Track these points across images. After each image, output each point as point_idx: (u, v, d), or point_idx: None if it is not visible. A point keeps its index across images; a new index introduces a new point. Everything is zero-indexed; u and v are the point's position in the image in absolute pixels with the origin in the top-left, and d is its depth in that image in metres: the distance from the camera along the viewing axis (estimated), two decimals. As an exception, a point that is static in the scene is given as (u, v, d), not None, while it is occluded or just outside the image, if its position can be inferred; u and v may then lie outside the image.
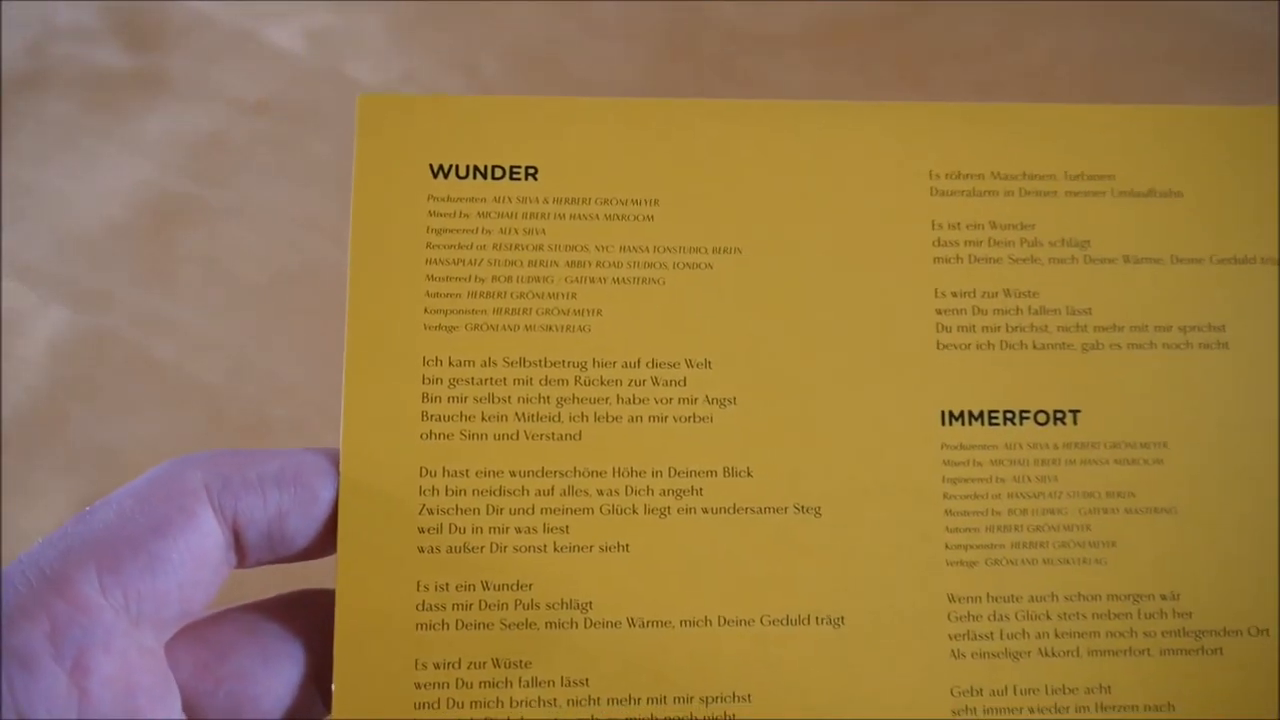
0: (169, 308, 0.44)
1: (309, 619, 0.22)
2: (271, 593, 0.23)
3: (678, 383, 0.23)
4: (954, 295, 0.24)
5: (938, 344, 0.24)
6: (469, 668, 0.22)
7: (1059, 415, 0.24)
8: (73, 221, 0.46)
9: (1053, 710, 0.23)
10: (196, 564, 0.21)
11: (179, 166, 0.46)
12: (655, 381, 0.23)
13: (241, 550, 0.22)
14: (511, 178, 0.24)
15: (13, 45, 0.49)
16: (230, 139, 0.47)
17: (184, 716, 0.21)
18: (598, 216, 0.24)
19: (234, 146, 0.47)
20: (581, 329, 0.23)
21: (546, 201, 0.24)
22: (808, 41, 0.50)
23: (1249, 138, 0.25)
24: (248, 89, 0.48)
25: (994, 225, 0.25)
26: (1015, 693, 0.23)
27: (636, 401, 0.23)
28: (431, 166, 0.24)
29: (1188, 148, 0.25)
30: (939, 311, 0.24)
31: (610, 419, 0.23)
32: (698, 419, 0.23)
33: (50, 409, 0.42)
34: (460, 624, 0.22)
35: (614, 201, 0.24)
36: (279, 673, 0.22)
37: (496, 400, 0.23)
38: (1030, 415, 0.24)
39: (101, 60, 0.49)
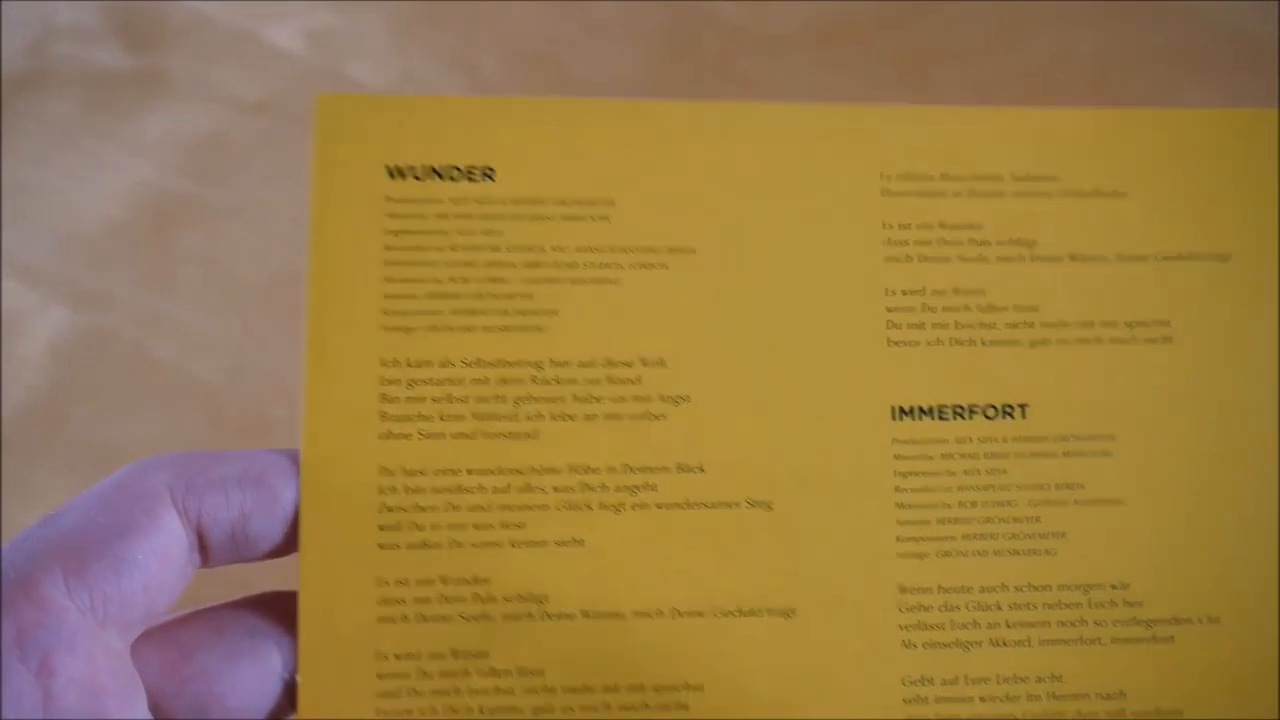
0: (169, 308, 0.44)
1: (275, 618, 0.23)
2: (241, 594, 0.24)
3: (632, 381, 0.24)
4: (904, 294, 0.25)
5: (889, 341, 0.24)
6: (429, 659, 0.23)
7: (1008, 409, 0.24)
8: (73, 221, 0.46)
9: (1004, 699, 0.23)
10: (161, 565, 0.21)
11: (179, 166, 0.47)
12: (610, 380, 0.24)
13: (206, 551, 0.22)
14: (469, 179, 0.24)
15: (13, 45, 0.49)
16: (230, 139, 0.47)
17: (150, 716, 0.21)
18: (554, 217, 0.24)
19: (234, 146, 0.47)
20: (538, 329, 0.24)
21: (503, 203, 0.24)
22: (808, 41, 0.50)
23: (1191, 138, 0.26)
24: (248, 89, 0.48)
25: (943, 225, 0.25)
26: (966, 682, 0.23)
27: (591, 400, 0.24)
28: (388, 168, 0.24)
29: (1131, 148, 0.26)
30: (890, 310, 0.25)
31: (566, 417, 0.24)
32: (652, 416, 0.24)
33: (50, 409, 0.42)
34: (420, 617, 0.23)
35: (570, 202, 0.24)
36: (245, 672, 0.22)
37: (454, 400, 0.24)
38: (980, 410, 0.24)
39: (101, 60, 0.49)
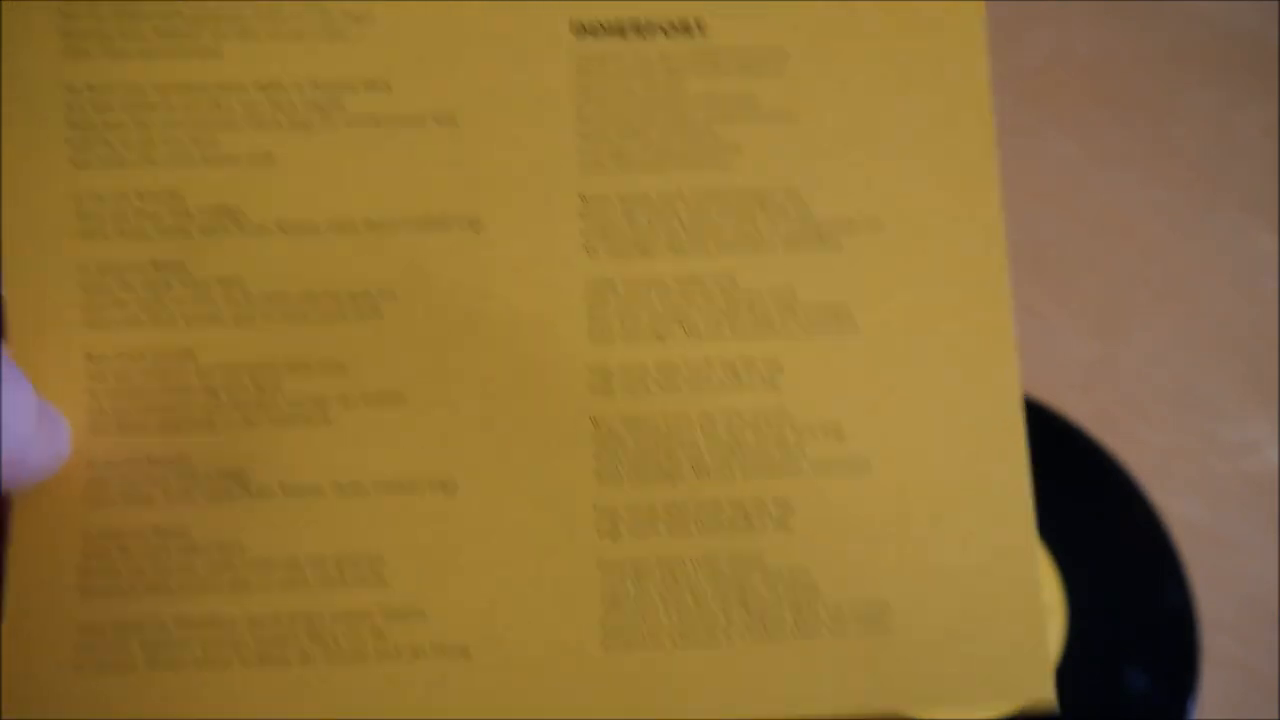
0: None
1: None
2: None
3: (326, 6, 0.25)
4: None
5: None
6: (130, 270, 0.24)
7: (685, 25, 0.25)
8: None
9: (681, 296, 0.25)
10: None
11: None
12: None
13: None
14: None
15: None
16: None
17: None
18: None
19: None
20: None
21: None
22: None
23: None
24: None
25: None
26: (646, 283, 0.25)
27: (275, 17, 0.25)
28: None
29: None
30: None
31: (248, 35, 0.25)
32: (337, 33, 0.25)
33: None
34: (119, 232, 0.24)
35: None
36: None
37: (134, 18, 0.25)
38: (658, 25, 0.25)
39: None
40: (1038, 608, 0.24)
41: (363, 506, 0.24)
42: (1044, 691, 0.24)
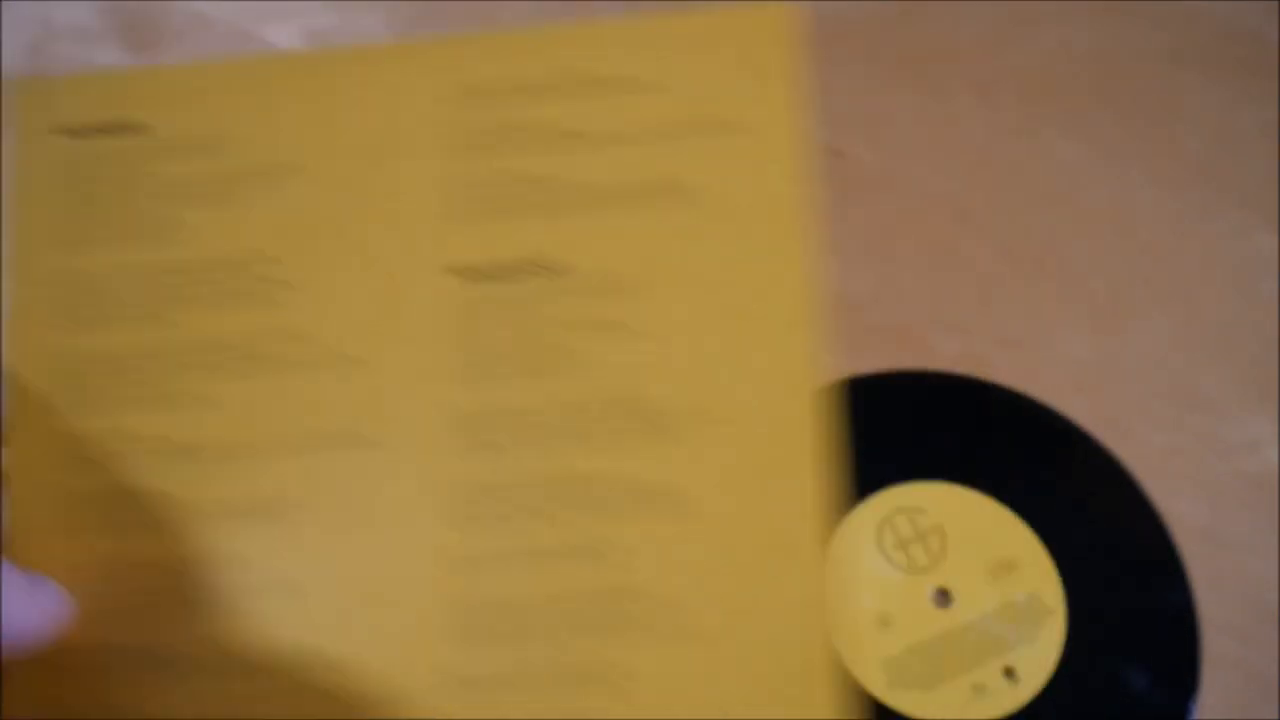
0: (169, 308, 0.44)
1: None
2: None
3: (253, 275, 0.31)
4: (465, 184, 0.31)
5: (449, 217, 0.31)
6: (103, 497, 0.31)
7: (552, 266, 0.31)
8: (73, 221, 0.46)
9: (544, 489, 0.29)
10: None
11: (179, 166, 0.47)
12: (233, 275, 0.31)
13: None
14: (127, 133, 0.32)
15: (13, 45, 0.49)
16: (230, 139, 0.47)
17: None
18: (192, 154, 0.32)
19: (234, 146, 0.47)
20: (178, 243, 0.31)
21: (155, 149, 0.32)
22: (808, 41, 0.50)
23: (712, 32, 0.32)
24: (248, 89, 0.48)
25: (504, 127, 0.32)
26: (511, 486, 0.29)
27: (220, 292, 0.31)
28: (66, 130, 0.32)
29: (667, 46, 0.32)
30: (448, 193, 0.31)
31: (198, 302, 0.31)
32: (270, 300, 0.31)
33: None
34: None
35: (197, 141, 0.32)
36: None
37: (110, 295, 0.32)
38: (526, 267, 0.31)
39: (101, 60, 0.49)
40: None
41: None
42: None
